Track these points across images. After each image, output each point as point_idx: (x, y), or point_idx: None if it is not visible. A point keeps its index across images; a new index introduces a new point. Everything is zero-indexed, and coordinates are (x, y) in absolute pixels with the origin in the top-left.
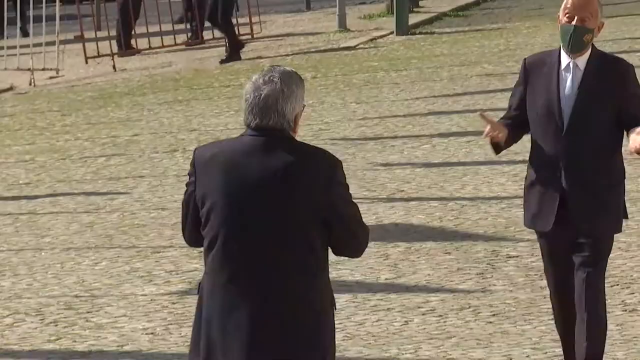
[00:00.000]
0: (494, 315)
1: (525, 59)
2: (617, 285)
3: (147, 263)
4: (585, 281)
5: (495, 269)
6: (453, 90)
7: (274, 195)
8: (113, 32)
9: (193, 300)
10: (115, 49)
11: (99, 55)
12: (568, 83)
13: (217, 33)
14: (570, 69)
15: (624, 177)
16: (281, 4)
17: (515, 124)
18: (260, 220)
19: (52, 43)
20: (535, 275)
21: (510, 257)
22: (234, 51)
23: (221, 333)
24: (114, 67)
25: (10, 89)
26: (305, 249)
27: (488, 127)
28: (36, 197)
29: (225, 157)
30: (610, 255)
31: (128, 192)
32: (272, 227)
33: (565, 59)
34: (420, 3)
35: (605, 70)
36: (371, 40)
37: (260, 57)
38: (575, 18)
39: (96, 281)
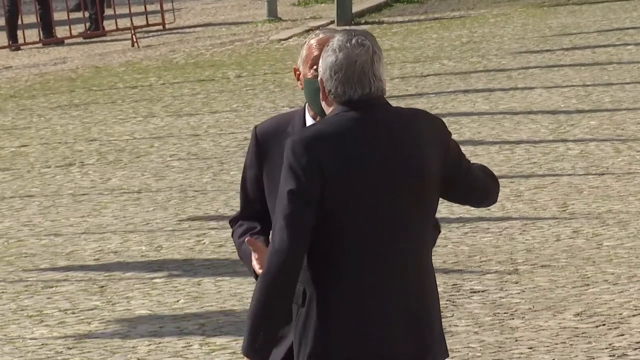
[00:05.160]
0: None
1: (255, 126)
2: (604, 325)
3: (38, 300)
4: None
5: (457, 306)
6: (406, 91)
7: (408, 170)
8: None
9: (93, 344)
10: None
11: None
12: None
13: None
14: None
15: None
16: None
17: (264, 223)
18: (397, 201)
19: None
20: (505, 313)
21: (474, 292)
22: None
23: (359, 326)
24: None
25: None
26: (431, 218)
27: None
28: None
29: (341, 141)
30: (595, 289)
31: (14, 214)
32: (410, 203)
33: (311, 122)
34: None
35: None
36: (307, 31)
37: (173, 52)
38: None
39: None
